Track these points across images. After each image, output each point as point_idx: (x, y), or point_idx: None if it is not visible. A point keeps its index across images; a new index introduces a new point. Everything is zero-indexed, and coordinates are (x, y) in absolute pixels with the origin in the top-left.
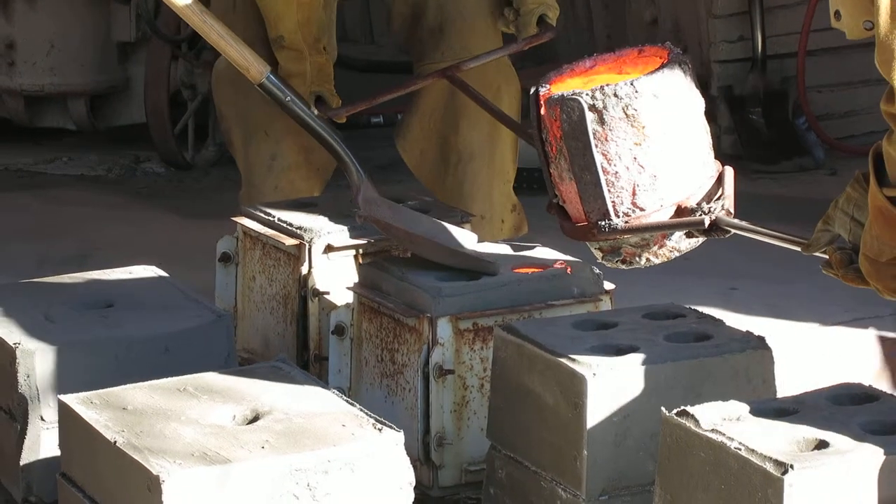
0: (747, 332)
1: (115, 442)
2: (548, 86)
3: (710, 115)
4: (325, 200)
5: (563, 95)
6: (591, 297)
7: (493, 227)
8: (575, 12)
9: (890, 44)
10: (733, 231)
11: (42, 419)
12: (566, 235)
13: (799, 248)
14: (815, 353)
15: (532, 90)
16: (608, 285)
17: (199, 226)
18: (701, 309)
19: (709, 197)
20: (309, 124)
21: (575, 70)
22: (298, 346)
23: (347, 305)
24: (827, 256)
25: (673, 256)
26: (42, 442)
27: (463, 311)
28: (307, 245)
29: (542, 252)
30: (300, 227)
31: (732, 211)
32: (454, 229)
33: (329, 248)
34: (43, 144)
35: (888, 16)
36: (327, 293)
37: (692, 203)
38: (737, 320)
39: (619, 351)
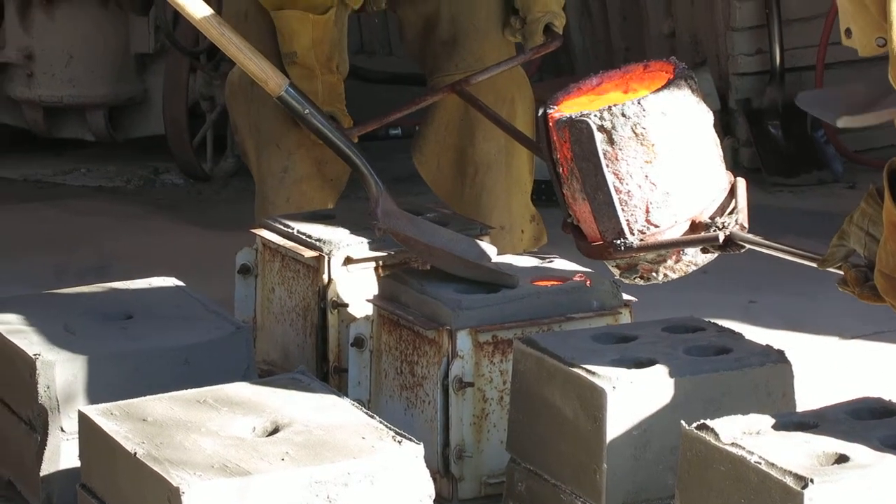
0: (767, 345)
1: (135, 453)
2: (555, 106)
3: (729, 127)
4: (344, 212)
5: (571, 117)
6: (610, 309)
7: (513, 238)
8: (592, 25)
9: None
10: (748, 246)
11: (62, 430)
12: (583, 255)
13: (814, 264)
14: (834, 366)
15: (540, 111)
16: (628, 298)
17: (219, 237)
18: (720, 322)
19: (722, 210)
20: (328, 137)
21: (582, 88)
22: (318, 358)
23: (367, 317)
24: (842, 272)
25: (690, 270)
26: (62, 453)
27: (482, 324)
28: (326, 257)
29: (561, 264)
30: (319, 240)
31: (746, 225)
32: (473, 242)
33: (348, 260)
34: (62, 155)
35: None
36: (346, 305)
37: (706, 217)
38: (756, 334)
39: (639, 364)
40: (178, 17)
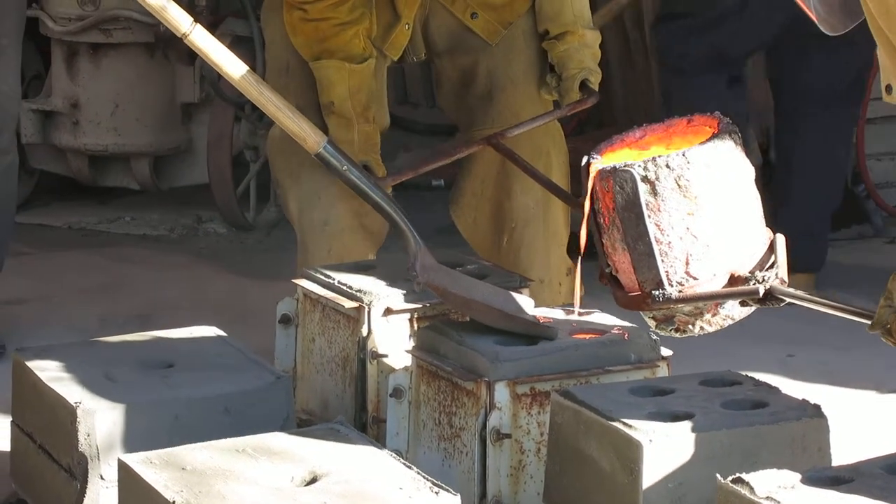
0: (803, 400)
1: (174, 502)
2: (599, 157)
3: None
4: (384, 263)
5: (615, 167)
6: (647, 363)
7: (552, 291)
8: (636, 76)
9: None
10: (787, 300)
11: (102, 478)
12: (619, 305)
13: (866, 321)
14: (871, 420)
15: (584, 161)
16: (665, 352)
17: (260, 287)
18: (757, 376)
19: (761, 265)
20: (366, 192)
21: (625, 140)
22: (356, 408)
23: (406, 368)
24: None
25: (727, 324)
26: (101, 501)
27: (520, 376)
28: (367, 308)
29: (599, 317)
30: (360, 290)
31: (786, 279)
32: (510, 295)
33: (388, 311)
34: (106, 203)
35: None
36: (386, 356)
37: (745, 272)
38: (793, 387)
39: (676, 417)
40: None
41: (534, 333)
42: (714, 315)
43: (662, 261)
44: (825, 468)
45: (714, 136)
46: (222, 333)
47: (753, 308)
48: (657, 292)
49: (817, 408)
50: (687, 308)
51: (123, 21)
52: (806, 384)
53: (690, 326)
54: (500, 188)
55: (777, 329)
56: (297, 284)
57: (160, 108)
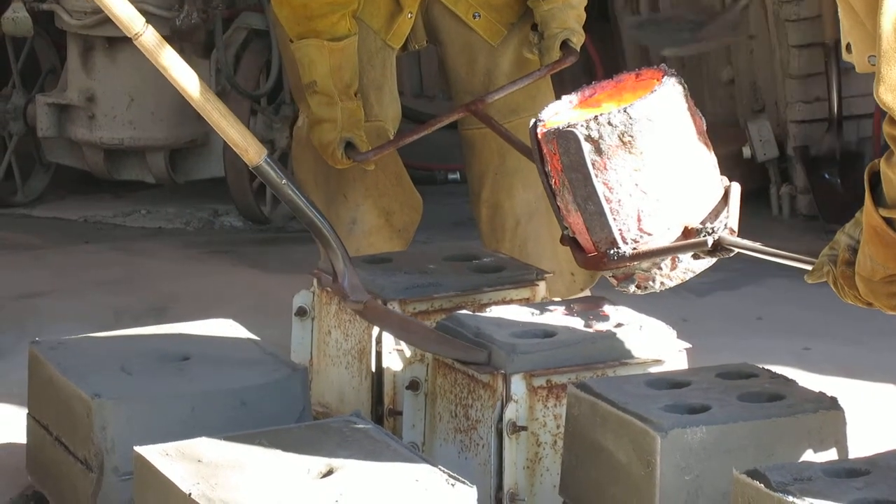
0: (820, 392)
1: (190, 494)
2: (544, 119)
3: (786, 174)
4: (401, 256)
5: (558, 129)
6: (664, 355)
7: (566, 282)
8: None
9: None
10: (736, 251)
11: (117, 470)
12: (580, 266)
13: (808, 267)
14: (888, 413)
15: (531, 123)
16: (682, 344)
17: (276, 280)
18: (774, 369)
19: (715, 215)
20: (301, 208)
21: (574, 100)
22: (373, 401)
23: (422, 361)
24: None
25: (687, 277)
26: (117, 493)
27: (537, 368)
28: (382, 300)
29: (615, 310)
30: (375, 282)
31: (736, 229)
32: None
33: (404, 303)
34: (122, 197)
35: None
36: (402, 348)
37: (698, 223)
38: (810, 380)
39: (692, 410)
40: (238, 60)
41: (466, 358)
42: (673, 269)
43: (614, 219)
44: (842, 461)
45: (656, 90)
46: (238, 326)
47: (713, 260)
48: (612, 251)
49: (834, 400)
50: (645, 264)
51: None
52: (822, 377)
53: (651, 283)
54: (498, 188)
55: (793, 322)
56: (312, 277)
57: (176, 101)
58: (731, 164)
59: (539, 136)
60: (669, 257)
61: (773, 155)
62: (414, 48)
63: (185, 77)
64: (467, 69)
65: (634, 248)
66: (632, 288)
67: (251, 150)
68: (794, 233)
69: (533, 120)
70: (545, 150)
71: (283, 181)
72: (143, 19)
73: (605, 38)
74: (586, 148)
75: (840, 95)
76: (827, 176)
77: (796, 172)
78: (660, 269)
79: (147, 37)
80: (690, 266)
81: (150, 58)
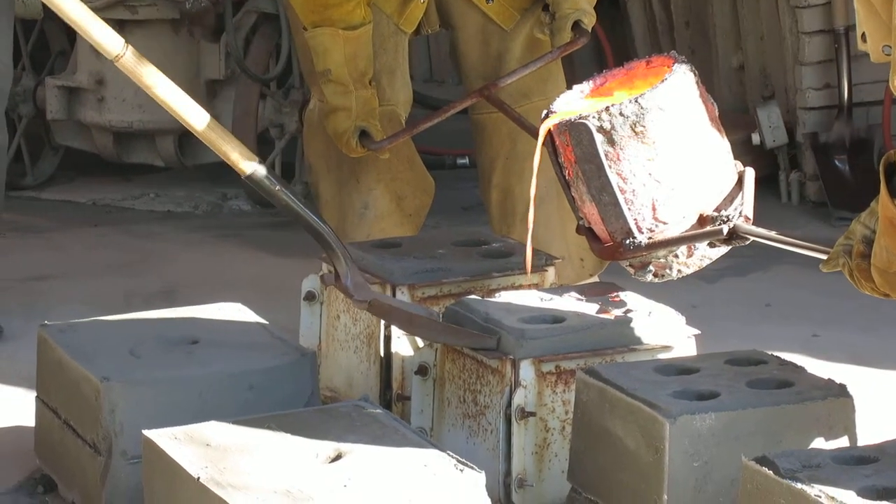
0: (829, 379)
1: (199, 477)
2: (555, 110)
3: (796, 161)
4: (410, 241)
5: (570, 120)
6: (673, 341)
7: (575, 268)
8: None
9: None
10: (752, 238)
11: (126, 453)
12: (597, 256)
13: (823, 257)
14: None
15: (543, 115)
16: (691, 330)
17: (285, 264)
18: (783, 355)
19: (730, 202)
20: (298, 213)
21: (586, 89)
22: (381, 386)
23: (431, 346)
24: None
25: (704, 264)
26: (126, 476)
27: (546, 354)
28: (391, 285)
29: (625, 295)
30: (384, 268)
31: (751, 216)
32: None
33: (413, 288)
34: (131, 180)
35: None
36: None
37: (713, 211)
38: (819, 367)
39: (701, 396)
40: (248, 43)
41: (476, 346)
42: (689, 256)
43: (629, 209)
44: (851, 448)
45: (667, 78)
46: (247, 310)
47: (729, 247)
48: (628, 241)
49: (843, 387)
50: (661, 252)
51: None
52: (831, 364)
53: (668, 271)
54: (509, 174)
55: (802, 309)
56: (321, 261)
57: (185, 84)
58: (740, 151)
59: (551, 127)
60: (685, 245)
61: (783, 141)
62: (427, 32)
63: (170, 94)
64: (479, 53)
65: (650, 238)
66: (649, 276)
67: (241, 161)
68: (802, 219)
69: (545, 111)
70: (558, 142)
71: (277, 188)
72: (122, 40)
73: (615, 23)
74: (599, 139)
75: (850, 82)
76: (836, 163)
77: (805, 159)
78: (676, 257)
79: (128, 57)
80: (707, 253)
81: (134, 78)
